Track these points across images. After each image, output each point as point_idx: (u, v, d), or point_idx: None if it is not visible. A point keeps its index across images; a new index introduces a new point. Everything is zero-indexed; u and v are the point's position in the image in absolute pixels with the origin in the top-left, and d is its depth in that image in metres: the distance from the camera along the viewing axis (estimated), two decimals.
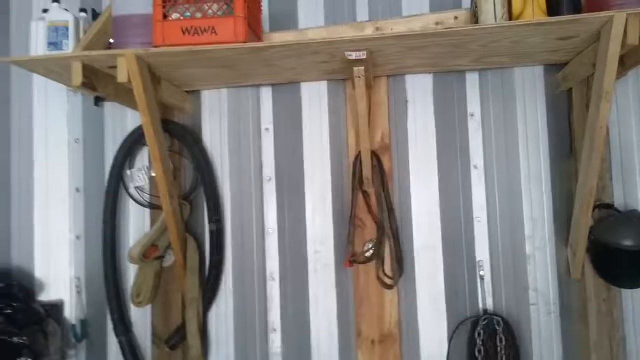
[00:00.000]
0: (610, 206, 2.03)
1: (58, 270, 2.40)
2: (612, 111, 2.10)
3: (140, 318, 2.34)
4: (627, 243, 1.87)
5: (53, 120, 2.46)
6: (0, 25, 2.52)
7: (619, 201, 2.07)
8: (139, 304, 2.23)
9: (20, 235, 2.44)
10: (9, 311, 2.10)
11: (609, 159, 2.09)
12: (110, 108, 2.42)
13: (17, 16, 2.52)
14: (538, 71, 2.19)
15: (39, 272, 2.41)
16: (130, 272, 2.33)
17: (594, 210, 1.96)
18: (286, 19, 2.33)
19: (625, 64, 1.83)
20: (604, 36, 1.66)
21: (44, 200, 2.44)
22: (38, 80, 2.44)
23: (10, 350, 2.03)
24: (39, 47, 1.92)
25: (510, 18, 1.82)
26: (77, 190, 2.43)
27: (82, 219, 2.43)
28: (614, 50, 1.62)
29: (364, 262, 2.21)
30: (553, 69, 2.17)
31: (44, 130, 2.46)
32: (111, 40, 1.97)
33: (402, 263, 2.20)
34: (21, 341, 2.04)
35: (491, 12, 1.82)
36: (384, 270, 2.20)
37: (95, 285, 2.37)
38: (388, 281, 2.19)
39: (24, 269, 2.40)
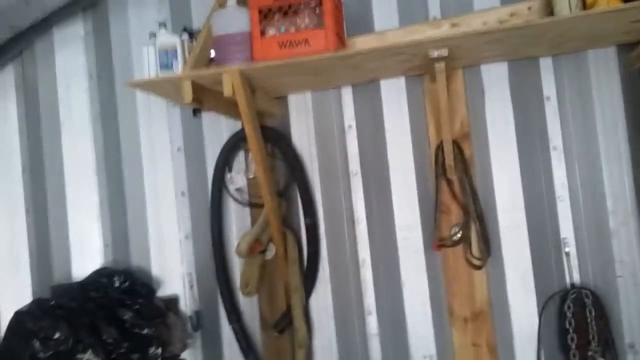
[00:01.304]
0: None
1: (171, 267, 2.68)
2: None
3: (249, 307, 2.57)
4: None
5: (156, 132, 2.72)
6: (104, 52, 2.81)
7: None
8: (247, 294, 2.47)
9: (137, 237, 2.73)
10: (136, 307, 2.36)
11: None
12: (207, 118, 2.66)
13: (117, 43, 2.81)
14: (611, 52, 2.24)
15: (155, 270, 2.69)
16: (237, 266, 2.57)
17: None
18: (362, 22, 2.47)
19: None
20: None
21: (154, 204, 2.72)
22: (141, 97, 2.71)
23: (142, 341, 2.29)
24: (151, 69, 2.16)
25: (585, 6, 1.89)
26: (182, 194, 2.69)
27: (188, 219, 2.69)
28: None
29: (451, 246, 2.34)
30: (626, 48, 2.20)
31: (149, 142, 2.73)
32: (212, 56, 2.18)
33: (488, 244, 2.30)
34: (150, 332, 2.30)
35: (565, 1, 1.90)
36: (471, 252, 2.33)
37: (205, 279, 2.63)
38: (476, 262, 2.32)
39: (142, 268, 2.68)
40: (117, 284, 2.45)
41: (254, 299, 2.55)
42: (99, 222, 2.77)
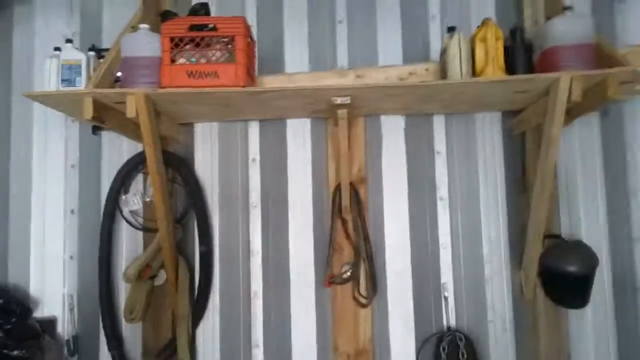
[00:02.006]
0: (557, 236, 2.31)
1: (52, 288, 2.54)
2: (560, 153, 2.41)
3: (132, 334, 2.48)
4: (572, 269, 2.15)
5: (51, 146, 2.62)
6: (3, 61, 2.70)
7: (565, 232, 2.37)
8: (131, 320, 2.37)
9: (17, 253, 2.57)
10: (8, 326, 2.22)
11: (557, 195, 2.39)
12: (107, 137, 2.60)
13: (19, 53, 2.70)
14: (496, 116, 2.49)
15: (33, 289, 2.54)
16: (123, 291, 2.48)
17: (543, 239, 2.23)
18: (273, 63, 2.57)
19: (570, 114, 2.11)
20: (552, 92, 1.97)
21: (40, 220, 2.58)
22: (38, 110, 2.61)
23: None
24: (52, 82, 2.09)
25: (474, 74, 2.11)
26: (72, 212, 2.58)
27: (76, 239, 2.57)
28: (561, 105, 1.94)
29: (341, 283, 2.44)
30: (509, 115, 2.47)
31: (42, 156, 2.62)
32: (118, 74, 2.16)
33: (375, 284, 2.42)
34: (20, 354, 2.16)
35: (457, 68, 2.11)
36: (359, 291, 2.43)
37: (87, 302, 2.51)
38: (363, 300, 2.42)
39: (19, 286, 2.52)
40: None
41: (138, 325, 2.47)
42: None
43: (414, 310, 2.43)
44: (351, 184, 2.43)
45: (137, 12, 2.36)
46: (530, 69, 2.11)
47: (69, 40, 2.19)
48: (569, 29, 1.99)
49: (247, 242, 2.53)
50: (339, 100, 2.08)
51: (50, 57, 2.15)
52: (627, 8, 2.48)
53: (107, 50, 2.26)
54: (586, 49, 1.98)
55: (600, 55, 1.99)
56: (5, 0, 2.67)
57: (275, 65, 2.57)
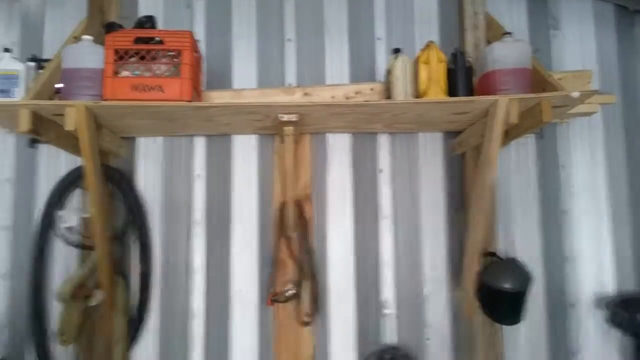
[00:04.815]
0: (493, 254, 2.37)
1: None
2: (497, 173, 2.50)
3: (64, 357, 2.36)
4: (506, 285, 2.19)
5: None
6: None
7: (501, 249, 2.44)
8: (63, 342, 2.26)
9: None
10: None
11: (494, 214, 2.45)
12: (45, 150, 2.50)
13: None
14: (438, 137, 2.57)
15: None
16: (56, 311, 2.35)
17: (480, 257, 2.29)
18: (221, 78, 2.56)
19: (508, 136, 2.21)
20: (491, 114, 2.05)
21: None
22: None
23: None
24: None
25: (417, 95, 2.17)
26: (4, 228, 2.46)
27: (7, 256, 2.45)
28: (499, 126, 2.01)
29: (284, 301, 2.41)
30: (450, 135, 2.55)
31: None
32: (58, 86, 2.08)
33: (318, 302, 2.42)
34: None
35: (401, 89, 2.17)
36: (302, 309, 2.42)
37: (17, 323, 2.40)
38: (305, 319, 2.41)
39: None
40: None
41: (71, 348, 2.35)
42: None
43: (355, 328, 2.44)
44: (296, 201, 2.44)
45: (81, 23, 2.31)
46: (470, 91, 2.19)
47: (7, 50, 2.11)
48: (508, 53, 2.09)
49: (189, 260, 2.48)
50: (285, 117, 2.09)
51: None
52: (562, 35, 2.63)
53: (47, 60, 2.19)
54: (523, 73, 2.07)
55: (536, 79, 2.09)
56: None
57: (223, 80, 2.56)
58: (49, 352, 2.33)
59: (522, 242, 2.50)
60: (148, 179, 2.52)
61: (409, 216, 2.52)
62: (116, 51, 2.02)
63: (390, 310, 2.45)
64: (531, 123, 2.07)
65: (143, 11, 2.58)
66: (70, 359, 2.37)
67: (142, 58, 2.04)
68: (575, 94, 1.95)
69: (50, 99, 2.08)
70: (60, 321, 2.27)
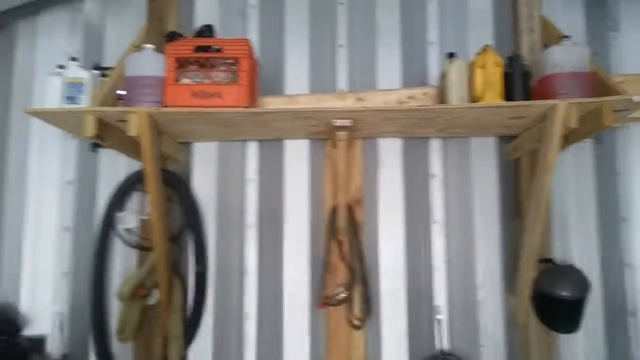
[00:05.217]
0: (550, 260, 2.32)
1: (42, 305, 2.52)
2: (554, 179, 2.42)
3: (123, 354, 2.44)
4: (563, 293, 2.16)
5: (47, 162, 2.63)
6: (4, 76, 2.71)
7: (558, 256, 2.39)
8: (122, 340, 2.35)
9: (8, 270, 2.55)
10: None
11: (550, 220, 2.41)
12: (105, 154, 2.60)
13: (20, 69, 2.72)
14: (492, 141, 2.54)
15: (24, 307, 2.50)
16: (115, 310, 2.45)
17: (536, 263, 2.25)
18: (273, 84, 2.60)
19: (566, 141, 2.14)
20: (549, 119, 2.00)
21: (33, 236, 2.57)
22: (36, 125, 2.62)
23: None
24: (54, 100, 2.09)
25: (472, 99, 2.15)
26: (67, 229, 2.57)
27: (69, 256, 2.56)
28: (557, 131, 1.97)
29: (335, 305, 2.43)
30: (505, 140, 2.51)
31: (39, 172, 2.62)
32: (119, 92, 2.16)
33: (369, 306, 2.43)
34: None
35: (457, 93, 2.15)
36: (353, 312, 2.43)
37: (78, 320, 2.50)
38: (356, 322, 2.42)
39: (10, 303, 2.48)
40: None
41: (130, 345, 2.44)
42: None
43: (407, 333, 2.43)
44: (347, 205, 2.45)
45: (141, 32, 2.38)
46: (527, 95, 2.15)
47: (73, 59, 2.21)
48: (566, 57, 2.05)
49: (242, 262, 2.53)
50: (339, 123, 2.11)
51: (53, 74, 2.16)
52: (621, 37, 2.56)
53: (109, 68, 2.29)
54: (583, 77, 2.03)
55: (596, 83, 2.04)
56: (9, 16, 2.68)
57: (275, 87, 2.60)
58: (109, 349, 2.42)
59: (579, 249, 2.43)
60: (203, 183, 2.58)
61: (462, 221, 2.50)
62: (177, 59, 2.09)
63: (442, 315, 2.43)
64: (591, 128, 2.02)
65: (199, 19, 2.65)
66: (129, 356, 2.45)
67: (202, 66, 2.10)
68: (637, 98, 1.90)
69: (113, 105, 2.16)
70: (120, 319, 2.36)
